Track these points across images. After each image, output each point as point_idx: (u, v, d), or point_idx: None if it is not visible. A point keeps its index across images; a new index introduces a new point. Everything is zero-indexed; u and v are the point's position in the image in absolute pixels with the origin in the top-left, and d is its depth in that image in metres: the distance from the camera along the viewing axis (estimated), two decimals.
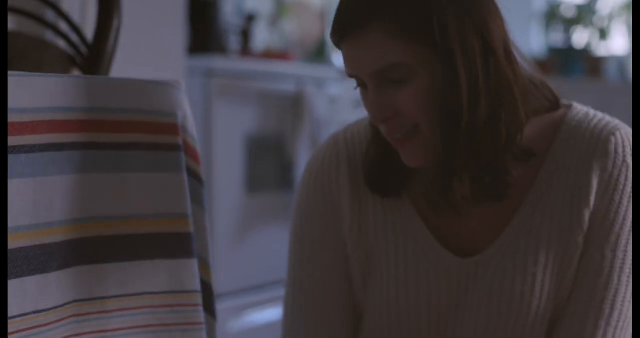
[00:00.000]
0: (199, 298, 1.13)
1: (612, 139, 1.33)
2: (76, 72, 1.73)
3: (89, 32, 1.71)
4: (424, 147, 1.29)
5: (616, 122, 1.36)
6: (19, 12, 1.74)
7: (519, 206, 1.35)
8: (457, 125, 1.26)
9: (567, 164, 1.34)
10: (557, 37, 5.27)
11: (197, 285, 1.13)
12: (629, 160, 1.33)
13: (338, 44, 1.31)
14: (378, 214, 1.41)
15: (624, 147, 1.34)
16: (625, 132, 1.35)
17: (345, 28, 1.27)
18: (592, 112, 1.38)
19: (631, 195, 1.34)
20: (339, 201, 1.42)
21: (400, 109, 1.27)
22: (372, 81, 1.28)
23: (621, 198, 1.33)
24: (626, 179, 1.33)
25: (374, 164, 1.39)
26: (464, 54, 1.25)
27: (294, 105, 3.76)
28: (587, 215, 1.33)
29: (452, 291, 1.37)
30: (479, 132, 1.27)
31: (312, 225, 1.44)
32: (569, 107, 1.39)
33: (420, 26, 1.24)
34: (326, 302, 1.43)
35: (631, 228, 1.34)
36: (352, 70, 1.30)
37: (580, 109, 1.38)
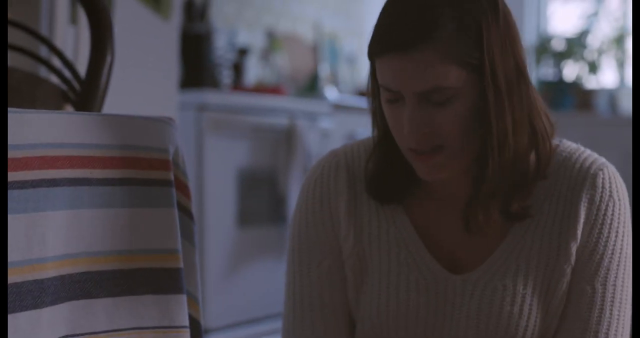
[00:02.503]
0: (187, 334, 1.13)
1: (600, 173, 1.39)
2: (69, 108, 1.74)
3: (82, 67, 1.72)
4: (444, 164, 1.33)
5: (603, 159, 1.42)
6: (13, 47, 1.75)
7: (510, 228, 1.40)
8: (502, 152, 1.32)
9: (557, 192, 1.39)
10: (547, 71, 5.31)
11: (186, 321, 1.13)
12: (615, 196, 1.39)
13: (381, 55, 1.30)
14: (373, 222, 1.44)
15: (610, 183, 1.39)
16: (612, 170, 1.41)
17: (401, 41, 1.27)
18: (581, 147, 1.44)
19: (618, 231, 1.38)
20: (336, 207, 1.45)
21: (437, 128, 1.30)
22: (415, 98, 1.29)
23: (609, 232, 1.38)
24: (613, 214, 1.38)
25: (374, 174, 1.43)
26: (507, 81, 1.31)
27: (286, 139, 3.77)
28: (573, 247, 1.37)
29: (440, 304, 1.40)
30: (520, 159, 1.34)
31: (310, 231, 1.46)
32: (560, 140, 1.44)
33: (471, 52, 1.27)
34: (324, 309, 1.46)
35: (620, 263, 1.38)
36: (397, 85, 1.29)
37: (570, 144, 1.44)
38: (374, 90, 1.38)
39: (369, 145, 1.46)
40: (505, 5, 1.33)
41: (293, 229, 1.49)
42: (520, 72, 1.33)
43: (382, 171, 1.42)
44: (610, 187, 1.39)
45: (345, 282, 1.46)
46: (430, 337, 1.40)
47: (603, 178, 1.39)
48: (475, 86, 1.29)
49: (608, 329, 1.37)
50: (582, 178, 1.39)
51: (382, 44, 1.29)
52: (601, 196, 1.38)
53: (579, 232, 1.37)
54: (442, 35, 1.26)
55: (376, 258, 1.43)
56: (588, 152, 1.43)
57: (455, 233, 1.41)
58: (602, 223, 1.38)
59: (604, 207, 1.38)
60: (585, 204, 1.38)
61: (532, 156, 1.37)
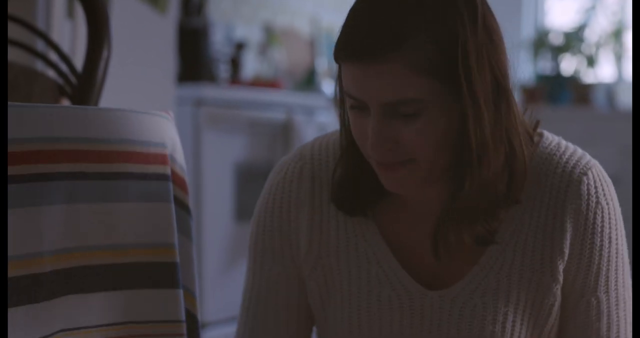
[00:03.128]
0: (183, 328, 1.13)
1: (585, 179, 1.31)
2: (66, 102, 1.74)
3: (79, 61, 1.72)
4: (412, 177, 1.25)
5: (587, 158, 1.34)
6: (10, 42, 1.75)
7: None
8: (481, 168, 1.23)
9: (539, 202, 1.31)
10: (545, 65, 5.30)
11: (182, 315, 1.13)
12: (603, 200, 1.31)
13: (345, 61, 1.22)
14: (340, 235, 1.35)
15: (596, 187, 1.31)
16: (597, 170, 1.33)
17: (366, 49, 1.18)
18: (562, 142, 1.35)
19: (611, 236, 1.32)
20: (297, 218, 1.37)
21: (404, 142, 1.21)
22: (379, 110, 1.20)
23: (602, 240, 1.31)
24: (602, 221, 1.31)
25: (341, 183, 1.33)
26: (485, 94, 1.21)
27: (283, 134, 3.77)
28: (560, 265, 1.31)
29: (416, 322, 1.32)
30: (496, 178, 1.25)
31: (266, 236, 1.39)
32: (540, 135, 1.35)
33: (444, 64, 1.18)
34: (271, 308, 1.40)
35: (617, 267, 1.34)
36: (361, 94, 1.21)
37: (552, 140, 1.35)
38: (340, 95, 1.29)
39: (338, 148, 1.36)
40: (488, 14, 1.24)
41: (251, 227, 1.42)
42: (499, 85, 1.23)
43: (350, 180, 1.33)
44: (596, 192, 1.31)
45: (301, 290, 1.39)
46: None
47: (588, 184, 1.30)
48: (448, 98, 1.20)
49: (618, 331, 1.35)
50: (565, 186, 1.30)
51: (346, 49, 1.20)
52: (587, 204, 1.30)
53: (566, 247, 1.30)
54: (411, 45, 1.17)
55: (345, 274, 1.35)
56: (570, 150, 1.34)
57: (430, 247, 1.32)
58: (593, 233, 1.31)
59: (592, 216, 1.30)
60: (572, 216, 1.30)
61: (505, 176, 1.27)
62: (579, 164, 1.32)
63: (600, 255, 1.32)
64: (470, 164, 1.22)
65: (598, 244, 1.31)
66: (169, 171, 1.15)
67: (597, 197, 1.31)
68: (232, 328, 3.84)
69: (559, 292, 1.32)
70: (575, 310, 1.34)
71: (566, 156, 1.32)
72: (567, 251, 1.31)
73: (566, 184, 1.30)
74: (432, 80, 1.18)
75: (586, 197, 1.30)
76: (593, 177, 1.31)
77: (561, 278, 1.31)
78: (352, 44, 1.20)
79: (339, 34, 1.23)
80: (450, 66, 1.18)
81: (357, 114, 1.24)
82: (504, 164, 1.25)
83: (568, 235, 1.30)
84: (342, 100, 1.30)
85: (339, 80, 1.27)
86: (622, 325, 1.36)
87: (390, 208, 1.35)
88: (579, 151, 1.34)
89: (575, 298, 1.33)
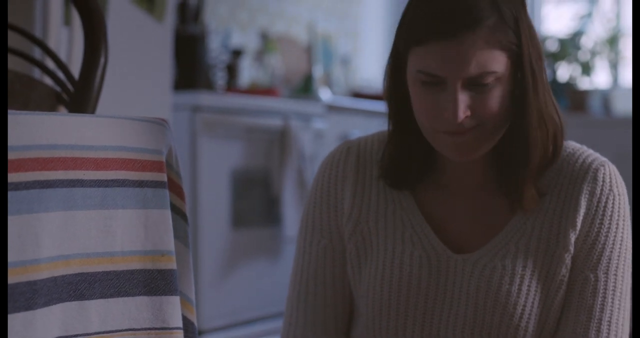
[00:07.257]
0: (181, 335, 1.13)
1: (602, 169, 1.47)
2: (63, 109, 1.74)
3: (76, 69, 1.72)
4: (478, 140, 1.39)
5: (605, 158, 1.50)
6: (7, 50, 1.75)
7: (512, 215, 1.48)
8: (541, 130, 1.41)
9: (559, 185, 1.47)
10: None
11: (180, 322, 1.13)
12: (616, 190, 1.46)
13: (427, 42, 1.35)
14: (380, 203, 1.52)
15: (610, 178, 1.47)
16: (614, 168, 1.49)
17: (449, 29, 1.34)
18: (585, 147, 1.52)
19: (618, 223, 1.45)
20: (342, 189, 1.54)
21: (477, 110, 1.37)
22: (460, 83, 1.35)
23: (610, 223, 1.45)
24: (612, 206, 1.45)
25: (391, 161, 1.50)
26: (538, 67, 1.40)
27: (279, 140, 3.77)
28: (572, 235, 1.44)
29: (441, 281, 1.47)
30: (545, 143, 1.43)
31: (316, 211, 1.56)
32: (565, 140, 1.51)
33: (511, 39, 1.36)
34: (319, 284, 1.55)
35: (620, 255, 1.45)
36: (444, 71, 1.35)
37: (575, 143, 1.52)
38: (393, 81, 1.45)
39: (383, 136, 1.54)
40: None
41: (304, 208, 1.59)
42: (542, 60, 1.42)
43: (398, 159, 1.49)
44: (610, 181, 1.46)
45: (343, 262, 1.54)
46: (430, 313, 1.47)
47: (604, 174, 1.46)
48: (512, 71, 1.37)
49: (610, 317, 1.44)
50: (584, 172, 1.46)
51: (428, 31, 1.35)
52: (602, 189, 1.46)
53: (579, 222, 1.44)
54: (486, 23, 1.34)
55: (382, 236, 1.50)
56: (591, 151, 1.50)
57: (459, 219, 1.49)
58: (603, 215, 1.45)
59: (604, 200, 1.46)
60: (587, 196, 1.46)
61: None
62: (598, 159, 1.49)
63: (607, 236, 1.45)
64: (530, 127, 1.40)
65: (606, 226, 1.45)
66: (165, 178, 1.15)
67: (610, 185, 1.46)
68: (228, 335, 3.85)
69: (569, 263, 1.45)
70: (573, 285, 1.45)
71: (587, 153, 1.50)
72: (579, 225, 1.45)
73: (585, 171, 1.47)
74: (504, 54, 1.36)
75: (601, 182, 1.46)
76: (609, 170, 1.48)
77: (572, 249, 1.44)
78: (436, 25, 1.35)
79: (408, 22, 1.39)
80: (515, 41, 1.36)
81: (428, 89, 1.38)
82: (558, 133, 1.44)
83: (581, 212, 1.45)
84: (392, 87, 1.46)
85: (394, 68, 1.44)
86: (616, 314, 1.44)
87: (427, 184, 1.52)
88: (598, 154, 1.50)
89: (575, 272, 1.45)
